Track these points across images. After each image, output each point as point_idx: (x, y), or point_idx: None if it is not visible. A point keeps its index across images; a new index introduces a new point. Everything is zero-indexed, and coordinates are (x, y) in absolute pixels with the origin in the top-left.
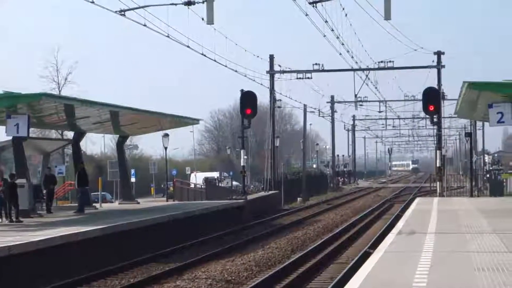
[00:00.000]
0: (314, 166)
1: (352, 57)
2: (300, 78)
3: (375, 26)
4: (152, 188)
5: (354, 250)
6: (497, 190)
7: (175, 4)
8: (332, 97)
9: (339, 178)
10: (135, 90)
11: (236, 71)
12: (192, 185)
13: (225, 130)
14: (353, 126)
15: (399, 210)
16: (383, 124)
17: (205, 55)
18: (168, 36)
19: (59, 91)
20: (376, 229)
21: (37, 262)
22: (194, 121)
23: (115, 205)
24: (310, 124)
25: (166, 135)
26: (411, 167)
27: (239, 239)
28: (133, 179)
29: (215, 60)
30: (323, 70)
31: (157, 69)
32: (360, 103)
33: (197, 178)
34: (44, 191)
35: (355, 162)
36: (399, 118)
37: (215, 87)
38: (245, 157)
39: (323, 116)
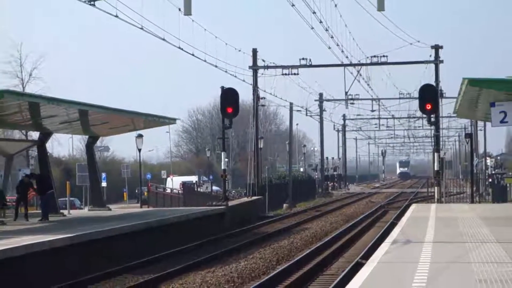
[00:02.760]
0: (301, 169)
1: (343, 51)
2: (285, 74)
3: (368, 18)
4: (124, 194)
5: (345, 260)
6: (500, 196)
7: None
8: (321, 94)
9: (328, 182)
10: (106, 87)
11: (216, 66)
12: (168, 190)
13: (204, 130)
14: (344, 126)
15: (393, 218)
16: (376, 124)
17: (182, 49)
18: (142, 28)
19: (23, 88)
20: (368, 238)
21: None
22: (170, 121)
23: (85, 211)
24: (297, 124)
25: (140, 136)
26: (397, 171)
27: (220, 248)
28: (104, 184)
29: (193, 54)
30: (311, 66)
31: (129, 64)
32: (351, 101)
33: (173, 183)
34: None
35: (345, 165)
36: (394, 118)
37: (194, 83)
38: (226, 159)
39: (310, 116)
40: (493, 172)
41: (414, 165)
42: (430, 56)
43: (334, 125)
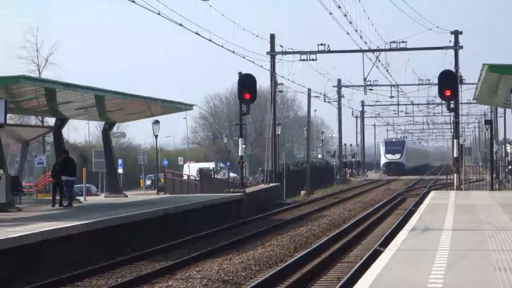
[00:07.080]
0: (319, 156)
1: (361, 37)
2: (304, 60)
3: (386, 3)
4: (141, 180)
5: (363, 248)
6: None
7: None
8: (339, 80)
9: (346, 169)
10: (123, 73)
11: (233, 51)
12: (185, 177)
13: (221, 116)
14: (362, 112)
15: (412, 205)
16: (394, 111)
17: (199, 34)
18: (159, 14)
19: (39, 74)
20: (387, 226)
21: (15, 260)
22: (187, 107)
23: (101, 198)
24: (315, 110)
25: (157, 122)
26: (382, 160)
27: (237, 235)
28: (120, 170)
29: (210, 40)
30: (329, 51)
31: (146, 50)
32: (370, 87)
33: (190, 169)
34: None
35: (364, 152)
36: (413, 104)
37: (211, 69)
38: (244, 146)
39: (329, 102)
40: None
41: (421, 150)
42: (450, 41)
43: (352, 112)
